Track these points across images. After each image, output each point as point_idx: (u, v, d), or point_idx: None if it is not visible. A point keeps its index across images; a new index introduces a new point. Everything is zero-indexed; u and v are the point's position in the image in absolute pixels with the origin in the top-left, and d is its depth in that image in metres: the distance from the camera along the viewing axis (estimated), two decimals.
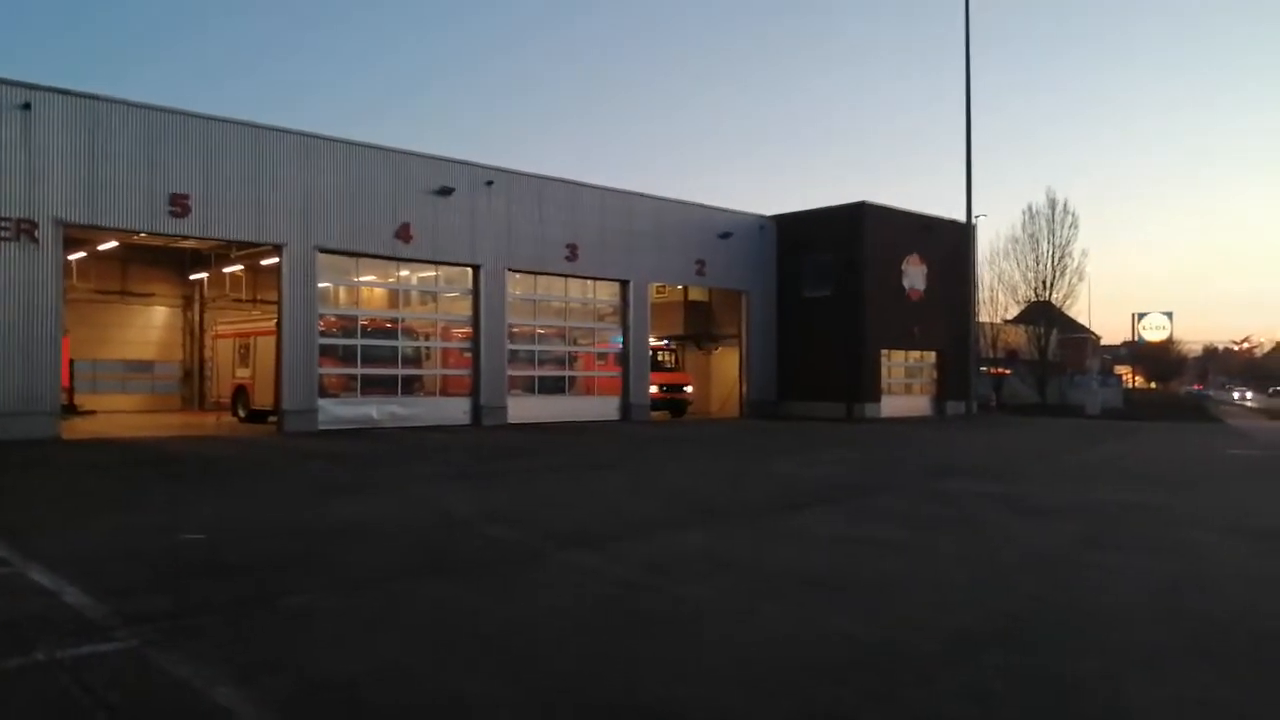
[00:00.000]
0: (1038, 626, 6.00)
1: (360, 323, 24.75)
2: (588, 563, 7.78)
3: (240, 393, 26.98)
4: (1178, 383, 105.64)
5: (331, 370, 23.66)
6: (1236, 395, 69.55)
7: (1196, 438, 26.85)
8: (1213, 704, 4.55)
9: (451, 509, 10.73)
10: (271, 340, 23.30)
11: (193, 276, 33.04)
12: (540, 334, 28.59)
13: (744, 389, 33.83)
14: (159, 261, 31.69)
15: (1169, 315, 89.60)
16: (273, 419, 23.55)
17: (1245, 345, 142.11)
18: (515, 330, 27.33)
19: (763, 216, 34.57)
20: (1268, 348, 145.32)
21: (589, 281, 29.38)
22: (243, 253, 27.95)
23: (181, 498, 11.59)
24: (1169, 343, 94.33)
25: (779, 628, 5.90)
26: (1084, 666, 5.08)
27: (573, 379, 29.37)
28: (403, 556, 7.96)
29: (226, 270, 31.82)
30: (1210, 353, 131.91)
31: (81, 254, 27.73)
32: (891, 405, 33.94)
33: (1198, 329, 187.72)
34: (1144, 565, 8.03)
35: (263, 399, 25.03)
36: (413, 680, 4.72)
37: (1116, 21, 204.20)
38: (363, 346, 24.37)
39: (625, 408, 29.39)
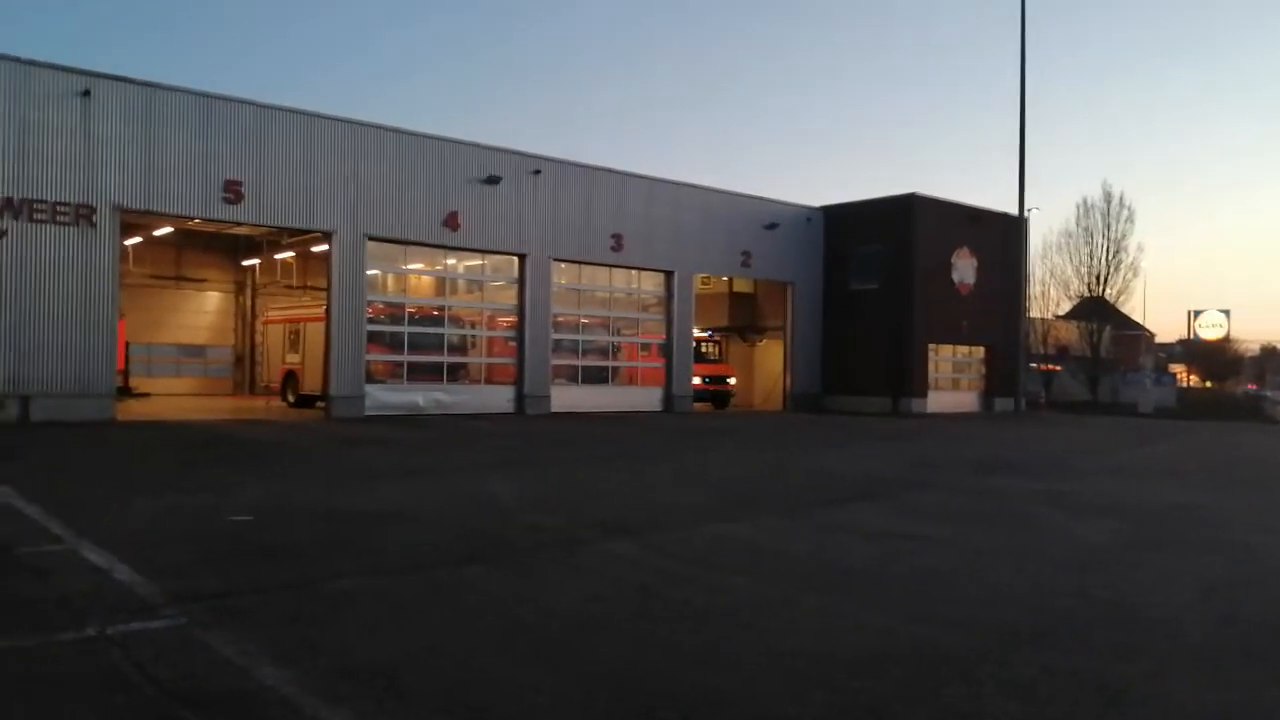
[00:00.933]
0: (1082, 626, 5.89)
1: (407, 310, 25.00)
2: (627, 552, 7.80)
3: (290, 378, 27.42)
4: (1234, 382, 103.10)
5: (379, 357, 23.95)
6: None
7: (1251, 439, 26.20)
8: (1261, 707, 4.44)
9: (494, 496, 10.81)
10: (320, 326, 23.63)
11: (245, 262, 33.61)
12: (584, 324, 28.66)
13: (788, 382, 33.63)
14: (212, 247, 32.30)
15: (1226, 313, 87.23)
16: (321, 404, 23.90)
17: None
18: (560, 320, 27.43)
19: (810, 208, 34.28)
20: None
21: (634, 272, 29.38)
22: (294, 239, 28.36)
23: (230, 480, 11.80)
24: (1225, 341, 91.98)
25: (817, 621, 5.87)
26: (1131, 668, 4.98)
27: (616, 369, 29.42)
28: (445, 543, 8.04)
29: (278, 256, 32.32)
30: (1269, 352, 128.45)
31: (138, 239, 28.33)
32: (938, 401, 33.53)
33: (1256, 328, 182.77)
34: (1192, 566, 7.86)
35: (311, 384, 25.42)
36: (450, 665, 4.77)
37: (1177, 5, 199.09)
38: (410, 334, 24.62)
39: (668, 399, 29.38)
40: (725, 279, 34.47)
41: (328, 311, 22.88)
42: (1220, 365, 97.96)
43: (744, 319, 35.96)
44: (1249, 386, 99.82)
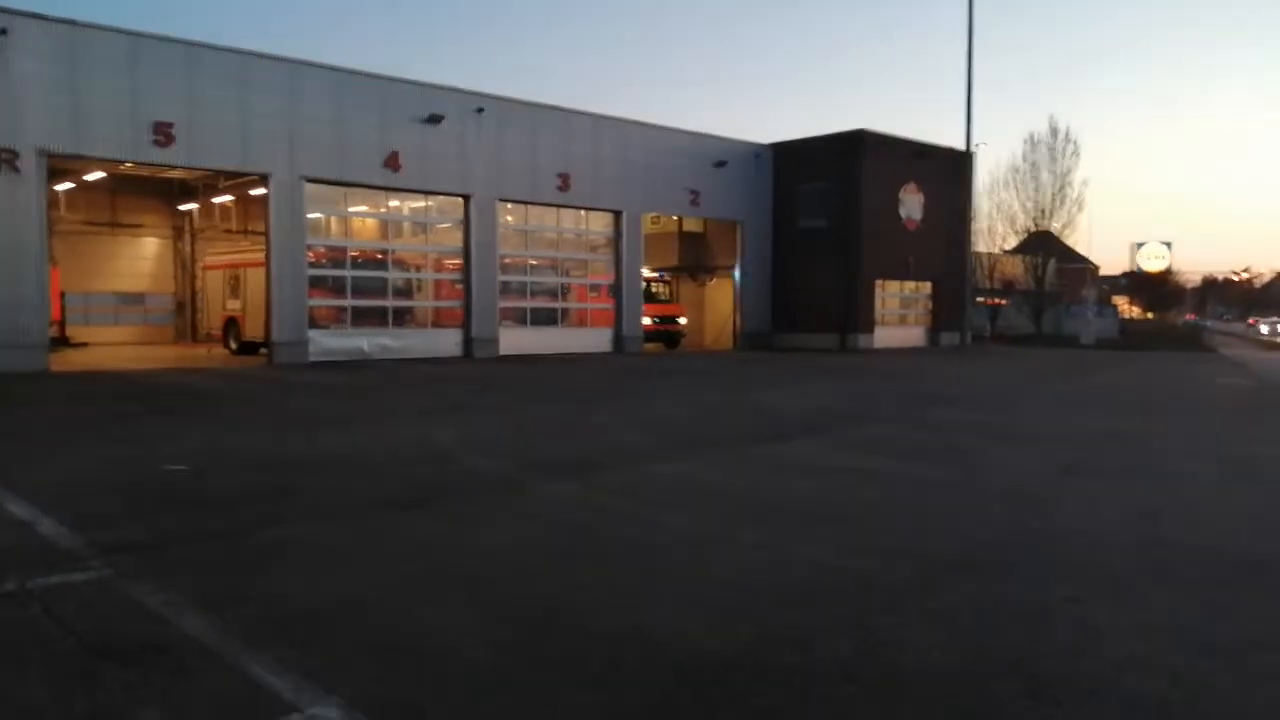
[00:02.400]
0: (1010, 554, 6.02)
1: (350, 254, 24.54)
2: (568, 492, 7.81)
3: (231, 325, 26.93)
4: (1175, 313, 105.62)
5: (321, 302, 23.54)
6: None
7: (1189, 368, 26.88)
8: (1174, 627, 4.58)
9: (436, 441, 10.75)
10: (261, 272, 23.15)
11: (182, 207, 32.73)
12: (532, 265, 28.40)
13: (738, 320, 33.76)
14: (148, 192, 31.34)
15: (1168, 245, 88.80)
16: (263, 351, 23.52)
17: (1245, 276, 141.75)
18: (507, 261, 27.13)
19: (759, 145, 34.09)
20: (1268, 278, 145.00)
21: (581, 212, 29.08)
22: (231, 182, 27.64)
23: (167, 430, 11.59)
24: (1167, 273, 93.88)
25: (752, 555, 5.93)
26: (1052, 593, 5.11)
27: (565, 311, 29.27)
28: (383, 488, 7.98)
29: (216, 200, 31.51)
30: (1209, 283, 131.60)
31: (69, 185, 27.42)
32: (886, 336, 33.92)
33: (1197, 259, 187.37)
34: (1121, 493, 8.07)
35: (253, 331, 24.99)
36: (379, 610, 4.75)
37: None
38: (353, 278, 24.20)
39: (618, 340, 29.35)
40: (674, 218, 34.31)
41: (267, 256, 22.40)
42: (1162, 296, 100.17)
43: (694, 258, 35.90)
44: (1188, 316, 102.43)
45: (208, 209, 32.47)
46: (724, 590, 5.15)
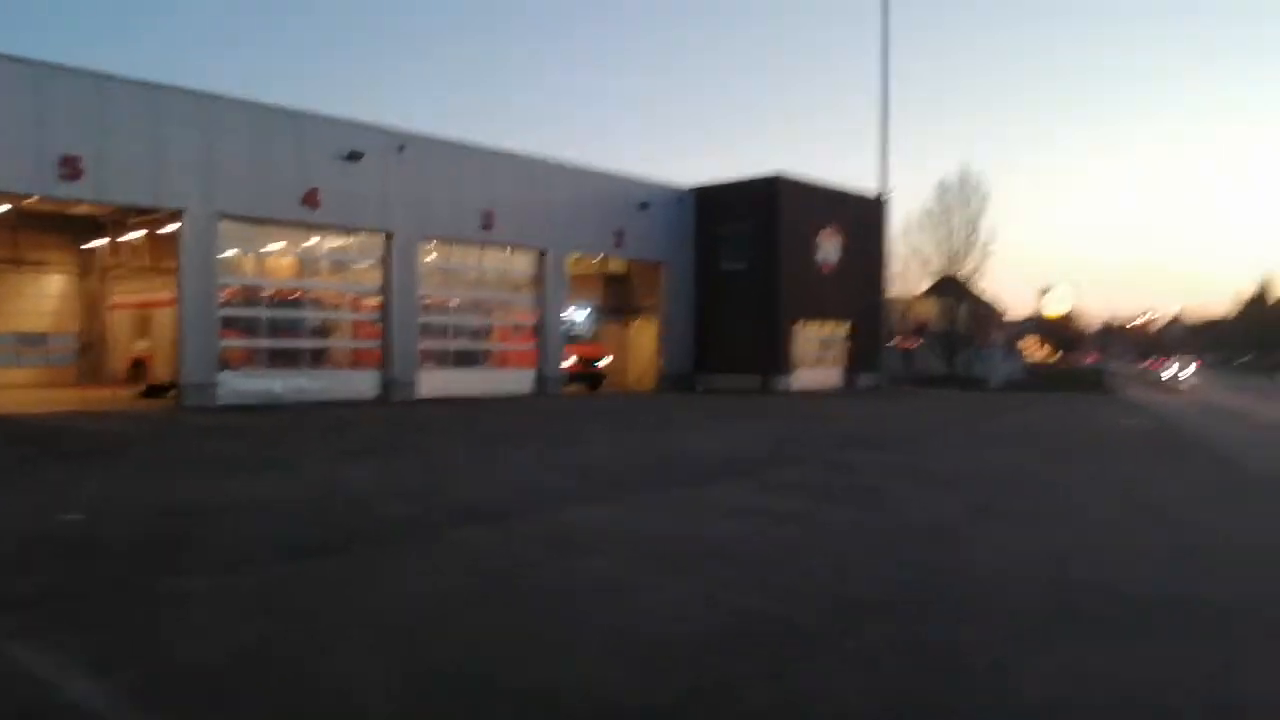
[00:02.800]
0: (926, 596, 6.07)
1: (265, 292, 23.95)
2: (484, 539, 7.65)
3: (139, 366, 26.00)
4: (1078, 355, 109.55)
5: (234, 342, 22.87)
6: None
7: (1092, 410, 27.80)
8: (1088, 671, 4.64)
9: (349, 486, 10.47)
10: (171, 311, 22.42)
11: (91, 244, 31.60)
12: (454, 305, 28.11)
13: (660, 361, 33.86)
14: (54, 228, 30.13)
15: (1071, 289, 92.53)
16: (172, 394, 22.73)
17: (1143, 319, 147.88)
18: (428, 301, 26.78)
19: (682, 188, 34.49)
20: (1163, 322, 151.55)
21: (505, 251, 28.95)
22: (141, 219, 26.80)
23: (65, 477, 11.06)
24: (1071, 317, 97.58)
25: (673, 602, 5.86)
26: (968, 635, 5.15)
27: (487, 352, 28.99)
28: (292, 536, 7.71)
29: (126, 237, 30.49)
30: (1109, 327, 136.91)
31: None
32: (804, 377, 34.37)
33: (1100, 302, 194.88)
34: (1031, 534, 8.23)
35: (162, 373, 24.16)
36: (281, 665, 4.55)
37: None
38: (267, 317, 23.58)
39: (541, 381, 29.14)
40: (599, 259, 34.40)
41: (178, 295, 21.70)
42: (1067, 340, 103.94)
43: (617, 299, 35.98)
44: (1090, 359, 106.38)
45: (117, 246, 31.39)
46: (646, 639, 5.07)
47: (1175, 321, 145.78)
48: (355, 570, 6.56)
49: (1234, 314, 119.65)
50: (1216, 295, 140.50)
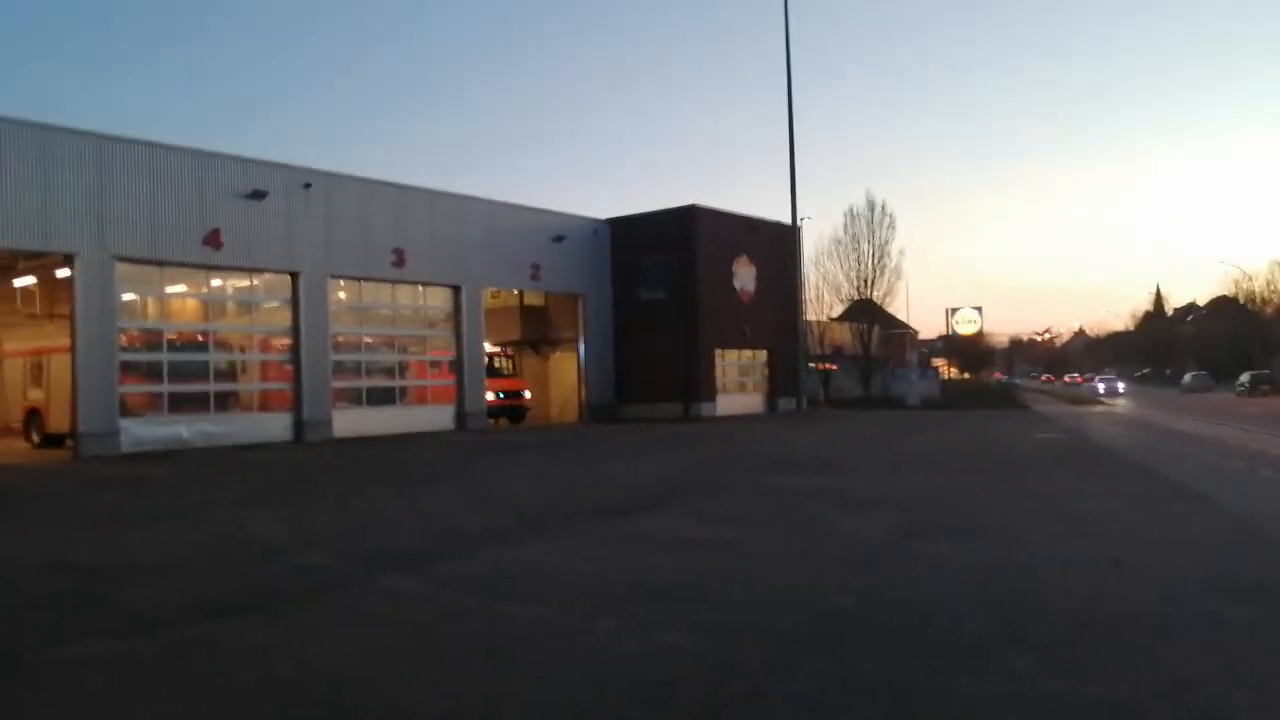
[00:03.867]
0: (865, 625, 5.94)
1: (166, 336, 23.04)
2: (406, 587, 7.29)
3: (33, 416, 24.71)
4: (986, 372, 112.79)
5: (135, 388, 21.91)
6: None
7: (1007, 425, 28.44)
8: (1037, 695, 4.55)
9: (260, 536, 9.96)
10: (66, 358, 21.39)
11: None
12: (368, 343, 27.47)
13: (583, 393, 33.64)
14: None
15: (979, 310, 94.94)
16: (70, 444, 21.62)
17: (1046, 336, 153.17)
18: (340, 340, 26.13)
19: (596, 220, 34.47)
20: (1066, 338, 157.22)
21: (419, 288, 28.47)
22: (33, 263, 25.57)
23: None
24: (979, 335, 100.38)
25: (604, 645, 5.61)
26: (913, 665, 5.02)
27: (404, 389, 28.38)
28: (197, 594, 7.23)
29: (17, 283, 29.05)
30: (1015, 344, 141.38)
31: None
32: (726, 404, 34.51)
33: (1006, 321, 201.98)
34: (962, 554, 8.20)
35: (58, 422, 22.98)
36: None
37: (926, 20, 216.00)
38: (170, 362, 22.67)
39: (461, 416, 28.63)
40: (516, 292, 34.08)
41: (73, 341, 20.72)
42: (976, 358, 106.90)
43: (536, 332, 35.69)
44: (996, 375, 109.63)
45: (7, 291, 29.90)
46: (577, 687, 4.81)
47: (1079, 335, 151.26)
48: (267, 630, 6.14)
49: (1132, 327, 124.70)
50: (1117, 311, 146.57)
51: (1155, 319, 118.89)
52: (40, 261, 24.22)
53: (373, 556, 8.60)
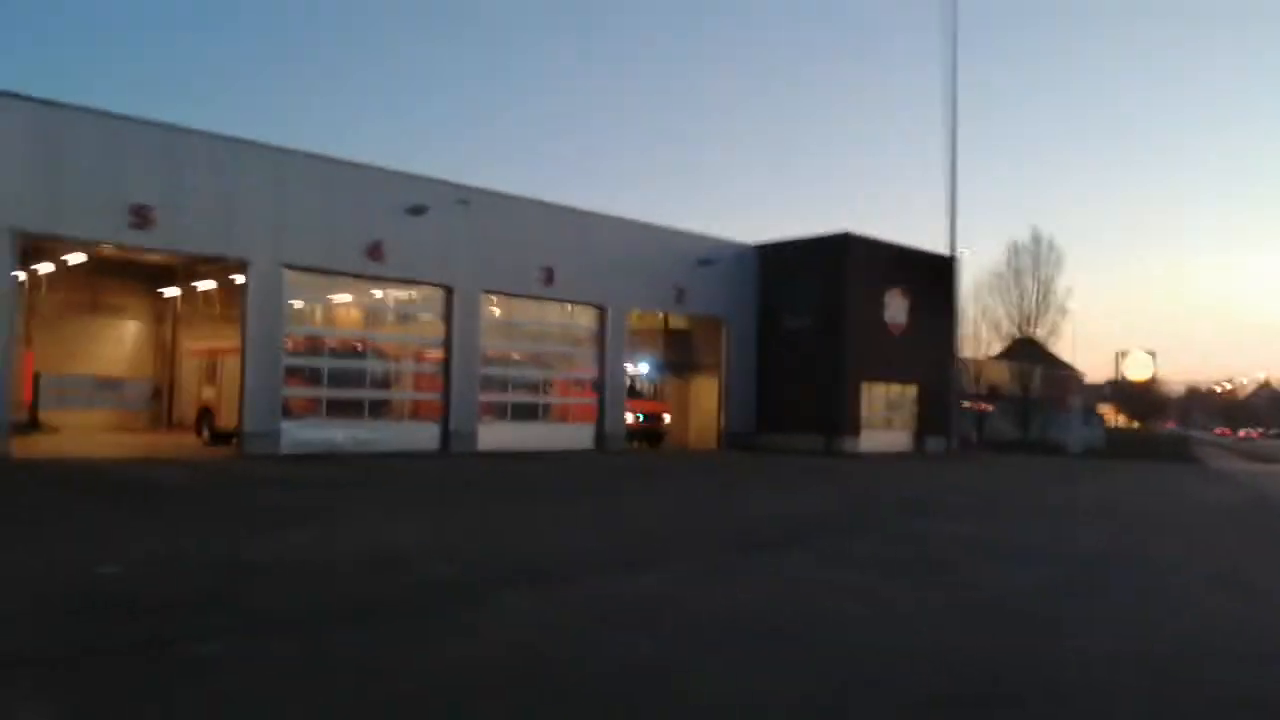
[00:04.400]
0: (1009, 686, 5.47)
1: (328, 343, 24.13)
2: (528, 607, 7.23)
3: (205, 413, 26.30)
4: (1157, 421, 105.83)
5: (297, 391, 23.00)
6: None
7: (1177, 480, 26.46)
8: None
9: (397, 543, 10.15)
10: (237, 359, 22.67)
11: (166, 292, 32.38)
12: (515, 359, 28.03)
13: (722, 420, 33.29)
14: (131, 276, 31.00)
15: (1152, 354, 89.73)
16: (235, 441, 22.88)
17: (1228, 386, 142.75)
18: (489, 354, 26.74)
19: (744, 245, 34.19)
20: (1250, 389, 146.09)
21: (566, 306, 28.88)
22: (211, 268, 27.35)
23: (114, 526, 10.96)
24: (1152, 382, 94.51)
25: (720, 688, 5.35)
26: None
27: (547, 405, 28.78)
28: (330, 597, 7.37)
29: (200, 286, 31.18)
30: (1192, 393, 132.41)
31: (49, 267, 27.08)
32: (871, 440, 33.44)
33: (1179, 368, 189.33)
34: (1118, 619, 7.52)
35: (227, 420, 24.36)
36: None
37: (1105, 52, 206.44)
38: (330, 367, 23.71)
39: (600, 437, 28.80)
40: (660, 315, 34.15)
41: (243, 343, 21.93)
42: (1147, 405, 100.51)
43: (679, 355, 35.60)
44: (1167, 424, 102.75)
45: (191, 294, 32.12)
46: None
47: (1264, 388, 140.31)
48: (389, 639, 6.15)
49: None
50: None
51: None
52: (219, 266, 25.84)
53: (500, 572, 8.60)
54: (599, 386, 29.06)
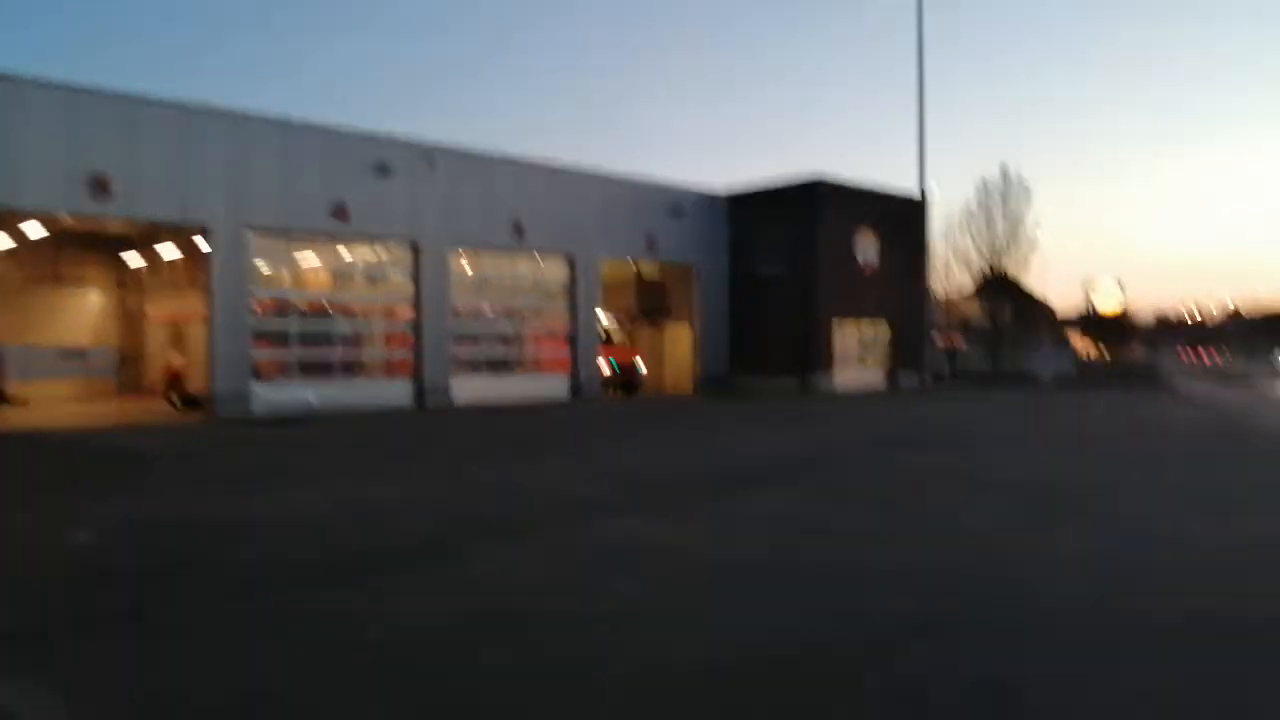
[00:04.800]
0: (976, 615, 5.57)
1: (296, 304, 23.88)
2: (507, 557, 7.27)
3: (174, 379, 26.03)
4: (1127, 350, 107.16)
5: (266, 354, 22.81)
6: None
7: (1148, 406, 26.86)
8: (1155, 691, 4.14)
9: (373, 499, 10.14)
10: (204, 324, 22.41)
11: (128, 259, 31.85)
12: (486, 313, 27.88)
13: (697, 364, 33.40)
14: (93, 245, 30.45)
15: (1120, 283, 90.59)
16: (206, 405, 22.70)
17: (1196, 314, 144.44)
18: (460, 309, 26.58)
19: (714, 192, 34.02)
20: (1219, 316, 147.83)
21: (536, 258, 28.69)
22: (176, 234, 26.89)
23: (83, 493, 10.88)
24: (1121, 311, 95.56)
25: (702, 626, 5.42)
26: (1031, 665, 4.66)
27: (521, 358, 28.72)
28: (306, 556, 7.38)
29: (162, 253, 30.66)
30: (1162, 321, 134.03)
31: (8, 240, 26.53)
32: (845, 378, 33.68)
33: (1147, 295, 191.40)
34: (1084, 544, 7.67)
35: (196, 385, 24.15)
36: (278, 705, 4.19)
37: None
38: (299, 329, 23.50)
39: (575, 386, 28.83)
40: (631, 263, 34.01)
41: (209, 308, 21.68)
42: (1117, 333, 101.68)
43: (652, 303, 35.55)
44: (1135, 354, 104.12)
45: (154, 260, 31.61)
46: (670, 670, 4.64)
47: (1234, 316, 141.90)
48: (369, 595, 6.17)
49: None
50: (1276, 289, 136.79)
51: None
52: (182, 232, 25.41)
53: (478, 524, 8.64)
54: (572, 337, 29.01)
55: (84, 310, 32.05)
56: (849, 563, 7.03)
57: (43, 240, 27.97)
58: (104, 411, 24.90)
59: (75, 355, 31.62)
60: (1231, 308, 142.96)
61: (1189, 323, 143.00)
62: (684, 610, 5.77)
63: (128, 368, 32.36)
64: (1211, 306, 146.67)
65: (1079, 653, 4.83)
